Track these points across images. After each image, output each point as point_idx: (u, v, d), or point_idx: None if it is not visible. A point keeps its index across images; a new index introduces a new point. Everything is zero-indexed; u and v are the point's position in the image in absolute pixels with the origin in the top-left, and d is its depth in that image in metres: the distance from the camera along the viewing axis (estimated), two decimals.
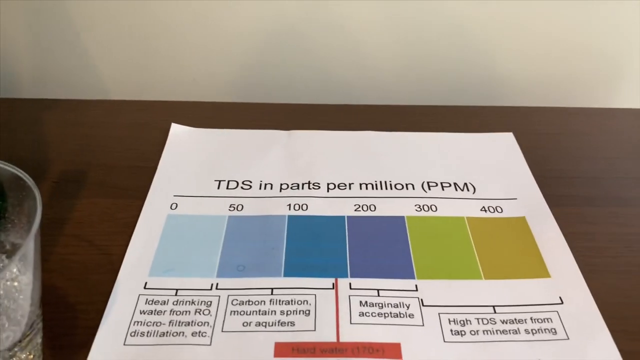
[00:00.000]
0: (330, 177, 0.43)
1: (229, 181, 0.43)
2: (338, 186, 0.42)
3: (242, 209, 0.41)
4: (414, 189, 0.42)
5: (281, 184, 0.43)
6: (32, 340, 0.29)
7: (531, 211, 0.40)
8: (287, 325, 0.33)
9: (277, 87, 0.56)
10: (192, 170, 0.44)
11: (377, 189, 0.42)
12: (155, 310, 0.34)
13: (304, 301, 0.34)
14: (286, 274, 0.36)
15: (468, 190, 0.42)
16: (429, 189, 0.42)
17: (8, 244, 0.30)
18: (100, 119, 0.49)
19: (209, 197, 0.42)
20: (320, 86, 0.57)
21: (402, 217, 0.40)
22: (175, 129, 0.48)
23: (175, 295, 0.35)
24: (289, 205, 0.41)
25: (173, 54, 0.54)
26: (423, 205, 0.41)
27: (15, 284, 0.28)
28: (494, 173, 0.44)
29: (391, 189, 0.42)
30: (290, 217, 0.40)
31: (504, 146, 0.47)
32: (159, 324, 0.33)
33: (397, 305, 0.34)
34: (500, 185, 0.43)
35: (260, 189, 0.42)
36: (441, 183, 0.43)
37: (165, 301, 0.34)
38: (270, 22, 0.52)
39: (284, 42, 0.54)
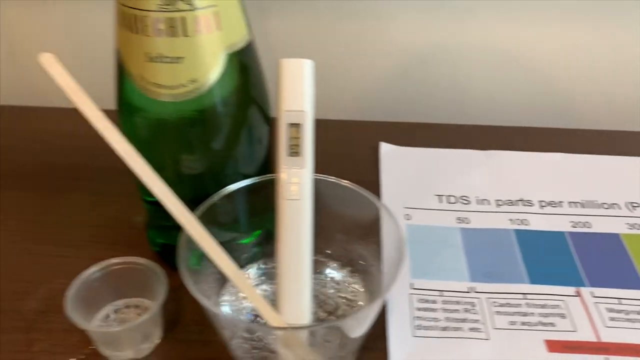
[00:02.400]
0: (539, 195, 0.48)
1: (448, 196, 0.48)
2: (549, 204, 0.47)
3: (469, 222, 0.46)
4: (619, 208, 0.47)
5: (496, 200, 0.47)
6: None
7: None
8: (548, 325, 0.37)
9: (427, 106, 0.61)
10: (410, 184, 0.49)
11: (586, 207, 0.47)
12: (428, 308, 0.39)
13: (556, 305, 0.39)
14: (532, 281, 0.40)
15: None
16: (634, 208, 0.47)
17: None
18: None
19: (435, 209, 0.47)
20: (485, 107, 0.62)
21: (617, 235, 0.44)
22: (385, 147, 0.53)
23: (441, 295, 0.40)
24: (510, 219, 0.46)
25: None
26: (634, 224, 0.45)
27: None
28: None
29: (599, 207, 0.47)
30: (516, 231, 0.45)
31: None
32: (436, 319, 0.38)
33: None
34: None
35: (478, 204, 0.47)
36: None
37: (434, 300, 0.39)
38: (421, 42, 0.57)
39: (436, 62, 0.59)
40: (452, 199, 0.48)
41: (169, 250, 0.41)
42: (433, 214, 0.46)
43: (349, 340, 0.32)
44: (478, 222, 0.45)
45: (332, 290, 0.36)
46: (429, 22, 0.56)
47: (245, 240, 0.37)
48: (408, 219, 0.46)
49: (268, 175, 0.34)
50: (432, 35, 0.57)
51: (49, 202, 0.47)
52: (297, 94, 0.31)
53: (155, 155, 0.31)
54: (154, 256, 0.41)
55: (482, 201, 0.47)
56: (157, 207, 0.39)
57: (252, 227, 0.38)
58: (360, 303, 0.35)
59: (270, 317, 0.31)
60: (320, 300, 0.35)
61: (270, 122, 0.38)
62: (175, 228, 0.40)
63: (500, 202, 0.47)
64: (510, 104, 0.61)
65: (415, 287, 0.40)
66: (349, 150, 0.53)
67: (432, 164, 0.52)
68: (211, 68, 0.31)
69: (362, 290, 0.36)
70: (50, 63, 0.28)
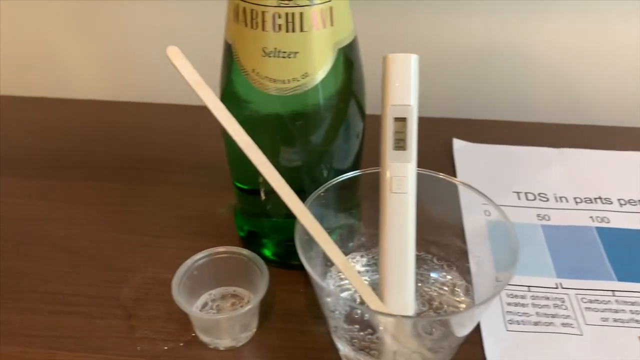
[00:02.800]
0: (617, 193, 0.48)
1: (526, 193, 0.48)
2: (628, 202, 0.47)
3: (549, 219, 0.46)
4: None
5: (575, 198, 0.48)
6: None
7: None
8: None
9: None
10: (487, 181, 0.49)
11: None
12: (518, 303, 0.39)
13: None
14: (620, 279, 0.40)
15: None
16: None
17: None
18: None
19: (514, 206, 0.47)
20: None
21: None
22: (458, 144, 0.53)
23: (529, 291, 0.40)
24: (591, 217, 0.46)
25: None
26: None
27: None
28: None
29: None
30: (597, 228, 0.45)
31: None
32: (527, 314, 0.38)
33: None
34: None
35: (556, 201, 0.47)
36: None
37: (523, 295, 0.39)
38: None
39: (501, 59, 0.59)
40: (531, 196, 0.48)
41: (253, 236, 0.42)
42: (513, 210, 0.46)
43: (452, 336, 0.32)
44: (558, 219, 0.46)
45: (431, 286, 0.36)
46: (503, 20, 0.56)
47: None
48: (488, 215, 0.46)
49: (369, 168, 0.35)
50: (505, 33, 0.57)
51: (132, 194, 0.48)
52: (404, 88, 0.32)
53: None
54: (239, 242, 0.43)
55: (560, 199, 0.47)
56: (247, 195, 0.41)
57: (338, 221, 0.38)
58: (461, 299, 0.35)
59: (377, 307, 0.32)
60: (419, 294, 0.36)
61: (365, 118, 0.38)
62: (261, 216, 0.41)
63: (578, 200, 0.47)
64: (577, 101, 0.61)
65: (499, 280, 0.40)
66: (423, 146, 0.53)
67: (506, 160, 0.52)
68: (323, 63, 0.32)
69: (462, 285, 0.36)
70: (176, 55, 0.29)
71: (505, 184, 0.49)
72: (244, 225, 0.42)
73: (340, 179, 0.35)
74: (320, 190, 0.34)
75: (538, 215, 0.46)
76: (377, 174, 0.33)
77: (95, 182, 0.49)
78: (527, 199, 0.48)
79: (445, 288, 0.36)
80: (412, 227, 0.33)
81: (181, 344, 0.36)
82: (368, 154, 0.40)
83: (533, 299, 0.39)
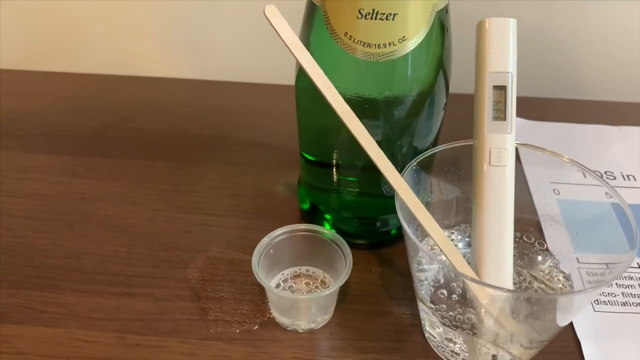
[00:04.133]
0: None
1: (592, 171, 0.47)
2: None
3: (618, 200, 0.44)
4: None
5: None
6: None
7: None
8: None
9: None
10: None
11: None
12: (601, 282, 0.37)
13: None
14: None
15: None
16: None
17: None
18: None
19: (582, 184, 0.45)
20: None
21: None
22: (518, 122, 0.51)
23: (607, 268, 0.38)
24: None
25: None
26: None
27: None
28: None
29: None
30: None
31: None
32: (613, 294, 0.37)
33: None
34: None
35: (624, 179, 0.46)
36: None
37: (602, 273, 0.38)
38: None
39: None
40: (597, 174, 0.46)
41: (315, 210, 0.40)
42: (581, 189, 0.45)
43: (552, 323, 0.31)
44: (628, 197, 0.44)
45: (529, 267, 0.35)
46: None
47: None
48: (557, 194, 0.44)
49: (464, 140, 0.33)
50: (561, 10, 0.55)
51: (184, 172, 0.46)
52: (503, 54, 0.30)
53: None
54: (299, 221, 0.41)
55: (628, 177, 0.46)
56: (313, 167, 0.39)
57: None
58: (559, 283, 0.34)
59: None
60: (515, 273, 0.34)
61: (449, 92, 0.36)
62: (324, 190, 0.39)
63: None
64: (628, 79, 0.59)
65: (581, 262, 0.39)
66: None
67: (567, 139, 0.50)
68: (420, 27, 0.30)
69: (555, 268, 0.35)
70: (273, 14, 0.27)
71: (569, 161, 0.47)
72: (307, 198, 0.41)
73: (434, 151, 0.33)
74: (413, 163, 0.32)
75: (607, 194, 0.44)
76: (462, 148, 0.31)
77: (143, 159, 0.47)
78: (593, 177, 0.46)
79: (544, 270, 0.35)
80: (511, 203, 0.31)
81: (256, 327, 0.34)
82: None
83: (624, 279, 0.38)
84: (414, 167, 0.32)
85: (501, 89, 0.31)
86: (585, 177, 0.46)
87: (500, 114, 0.31)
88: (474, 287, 0.29)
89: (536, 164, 0.40)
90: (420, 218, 0.30)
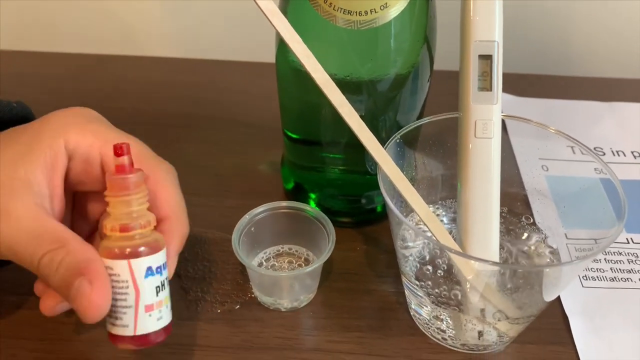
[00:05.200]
0: None
1: (581, 147, 0.46)
2: None
3: (607, 173, 0.43)
4: None
5: (632, 152, 0.45)
6: None
7: None
8: None
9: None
10: None
11: None
12: None
13: None
14: None
15: None
16: None
17: None
18: None
19: (570, 160, 0.45)
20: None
21: None
22: (505, 97, 0.51)
23: (596, 243, 0.38)
24: None
25: None
26: None
27: None
28: None
29: None
30: None
31: None
32: (602, 270, 0.36)
33: None
34: None
35: (613, 155, 0.45)
36: None
37: (590, 248, 0.37)
38: None
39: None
40: (585, 150, 0.46)
41: (299, 189, 0.39)
42: (570, 164, 0.44)
43: (538, 296, 0.30)
44: (617, 173, 0.43)
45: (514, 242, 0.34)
46: None
47: None
48: (545, 170, 0.44)
49: (450, 113, 0.32)
50: None
51: (166, 152, 0.45)
52: (489, 22, 0.29)
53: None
54: (283, 200, 0.40)
55: (617, 152, 0.45)
56: (297, 145, 0.38)
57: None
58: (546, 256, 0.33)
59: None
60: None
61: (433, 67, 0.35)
62: (308, 168, 0.38)
63: (636, 154, 0.45)
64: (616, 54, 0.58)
65: (570, 237, 0.38)
66: None
67: (556, 114, 0.49)
68: None
69: (542, 243, 0.34)
70: None
71: (559, 137, 0.47)
72: (291, 178, 0.40)
73: (418, 124, 0.32)
74: (397, 136, 0.31)
75: (595, 169, 0.44)
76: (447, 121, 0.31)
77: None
78: (582, 153, 0.45)
79: (532, 246, 0.34)
80: (497, 176, 0.30)
81: (237, 306, 0.34)
82: None
83: (605, 254, 0.37)
84: (398, 141, 0.31)
85: (487, 59, 0.30)
86: (574, 152, 0.46)
87: (486, 84, 0.30)
88: (459, 262, 0.29)
89: (523, 136, 0.39)
90: (403, 191, 0.29)
